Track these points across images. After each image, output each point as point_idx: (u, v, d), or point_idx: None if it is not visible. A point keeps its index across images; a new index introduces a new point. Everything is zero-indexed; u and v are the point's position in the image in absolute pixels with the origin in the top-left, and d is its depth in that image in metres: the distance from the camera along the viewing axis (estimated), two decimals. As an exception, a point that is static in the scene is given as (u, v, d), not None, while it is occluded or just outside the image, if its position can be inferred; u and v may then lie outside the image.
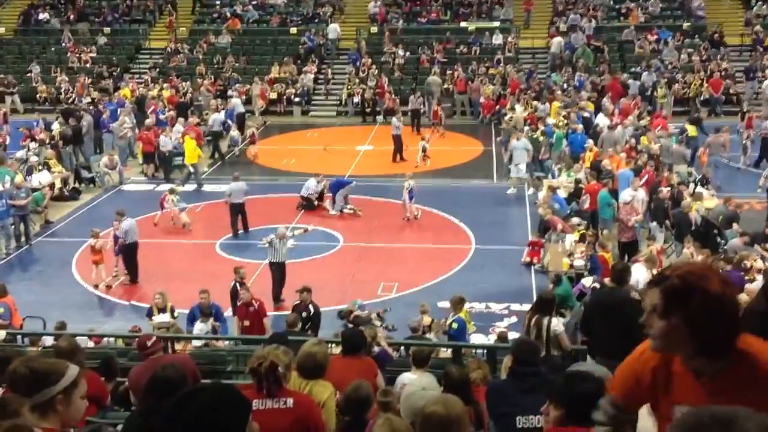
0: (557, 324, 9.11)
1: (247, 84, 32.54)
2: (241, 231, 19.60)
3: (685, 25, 35.16)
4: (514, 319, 14.97)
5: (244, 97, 30.99)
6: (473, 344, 11.99)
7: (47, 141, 24.35)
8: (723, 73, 31.28)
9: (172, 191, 20.40)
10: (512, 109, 28.04)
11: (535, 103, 27.95)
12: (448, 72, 32.60)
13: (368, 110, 31.71)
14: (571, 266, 15.92)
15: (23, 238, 19.20)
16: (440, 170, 24.79)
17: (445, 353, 10.91)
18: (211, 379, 7.47)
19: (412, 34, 36.54)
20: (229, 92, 31.15)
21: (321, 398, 5.56)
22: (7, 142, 25.28)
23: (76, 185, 23.53)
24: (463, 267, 17.77)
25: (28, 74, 34.48)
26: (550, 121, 24.87)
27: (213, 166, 25.83)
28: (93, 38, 37.24)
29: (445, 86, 32.01)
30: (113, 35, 37.91)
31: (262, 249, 17.85)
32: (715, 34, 34.14)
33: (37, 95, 33.12)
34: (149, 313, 14.13)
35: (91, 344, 11.61)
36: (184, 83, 32.43)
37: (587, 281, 14.28)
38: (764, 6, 35.48)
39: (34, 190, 20.54)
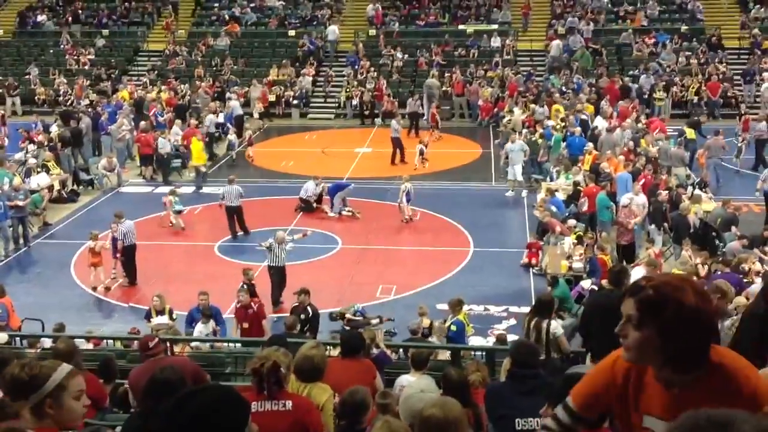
0: (556, 326, 9.12)
1: (245, 86, 32.55)
2: (240, 233, 19.57)
3: (683, 28, 35.20)
4: (512, 321, 14.97)
5: (242, 99, 31.01)
6: (472, 346, 11.99)
7: (45, 143, 24.34)
8: (721, 76, 31.31)
9: (172, 192, 20.41)
10: (510, 111, 28.07)
11: (533, 106, 27.97)
12: (447, 75, 32.61)
13: (367, 113, 31.73)
14: (570, 269, 15.92)
15: (22, 240, 19.18)
16: (439, 173, 24.80)
17: (444, 355, 10.90)
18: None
19: (410, 37, 36.56)
20: (228, 94, 31.15)
21: (319, 401, 5.55)
22: (6, 144, 25.24)
23: (75, 187, 23.51)
24: (461, 269, 17.77)
25: (27, 76, 34.46)
26: (550, 123, 24.89)
27: (210, 168, 25.80)
28: (91, 40, 37.23)
29: (444, 89, 32.02)
30: (111, 37, 37.92)
31: (261, 251, 17.86)
32: (713, 37, 34.19)
33: (36, 97, 33.10)
34: (148, 315, 14.13)
35: (89, 346, 11.59)
36: (182, 85, 32.44)
37: (586, 283, 14.29)
38: (762, 9, 35.54)
39: (33, 192, 20.53)
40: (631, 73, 32.16)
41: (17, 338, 11.62)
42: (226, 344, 11.97)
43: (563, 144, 23.22)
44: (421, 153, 25.03)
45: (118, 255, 17.04)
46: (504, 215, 21.43)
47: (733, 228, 16.74)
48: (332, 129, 31.33)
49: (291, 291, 15.29)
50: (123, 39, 38.28)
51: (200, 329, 13.22)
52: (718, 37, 34.21)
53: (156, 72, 34.51)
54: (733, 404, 2.53)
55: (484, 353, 10.16)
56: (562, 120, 25.18)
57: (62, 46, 36.87)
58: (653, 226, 17.62)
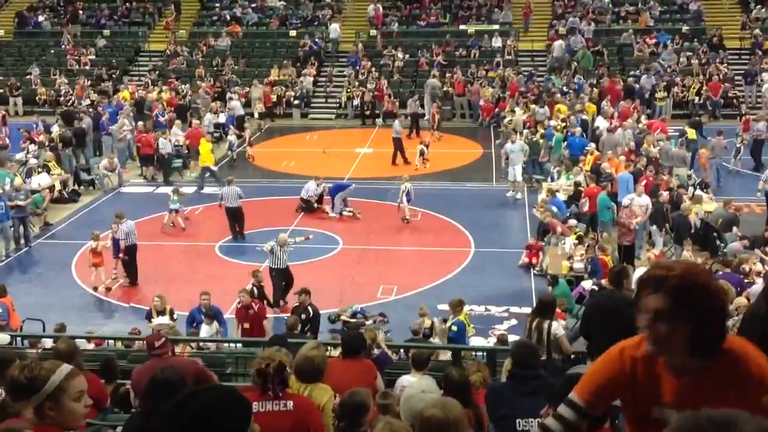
0: (557, 327, 9.11)
1: (246, 86, 32.54)
2: (228, 238, 19.40)
3: (684, 28, 35.18)
4: (513, 321, 14.97)
5: (243, 99, 31.01)
6: (473, 347, 11.99)
7: (47, 143, 24.35)
8: (722, 77, 31.29)
9: (175, 191, 20.43)
10: (512, 112, 28.06)
11: (533, 106, 27.96)
12: (447, 75, 32.60)
13: (368, 113, 31.72)
14: (571, 269, 15.92)
15: (23, 241, 19.19)
16: (439, 173, 24.80)
17: (445, 356, 10.90)
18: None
19: (411, 37, 36.55)
20: (229, 95, 31.15)
21: (320, 402, 5.55)
22: (8, 145, 25.25)
23: (76, 187, 23.52)
24: (462, 269, 17.77)
25: (28, 76, 34.46)
26: (552, 123, 24.88)
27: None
28: (92, 40, 37.22)
29: (445, 89, 32.01)
30: (112, 37, 37.91)
31: (261, 252, 17.86)
32: (714, 37, 34.17)
33: (37, 98, 33.10)
34: (148, 316, 14.13)
35: (90, 346, 11.60)
36: (183, 86, 32.45)
37: (587, 284, 14.29)
38: (763, 9, 35.52)
39: (34, 192, 20.54)
40: (632, 73, 32.14)
41: (18, 338, 11.62)
42: (226, 345, 11.97)
43: (564, 144, 23.23)
44: (422, 153, 25.03)
45: (120, 255, 17.04)
46: (505, 215, 21.43)
47: (734, 228, 16.74)
48: (333, 129, 31.32)
49: (292, 291, 15.32)
50: (124, 39, 38.27)
51: (205, 330, 13.22)
52: (719, 37, 34.20)
53: (157, 72, 34.52)
54: (744, 389, 2.54)
55: (485, 354, 10.16)
56: (563, 120, 25.18)
57: (63, 47, 36.87)
58: (655, 227, 17.61)
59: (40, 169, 22.40)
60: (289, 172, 25.10)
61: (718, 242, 16.29)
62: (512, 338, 12.30)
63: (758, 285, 12.34)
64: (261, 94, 31.97)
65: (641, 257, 16.91)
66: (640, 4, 37.03)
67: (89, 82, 33.23)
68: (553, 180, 21.61)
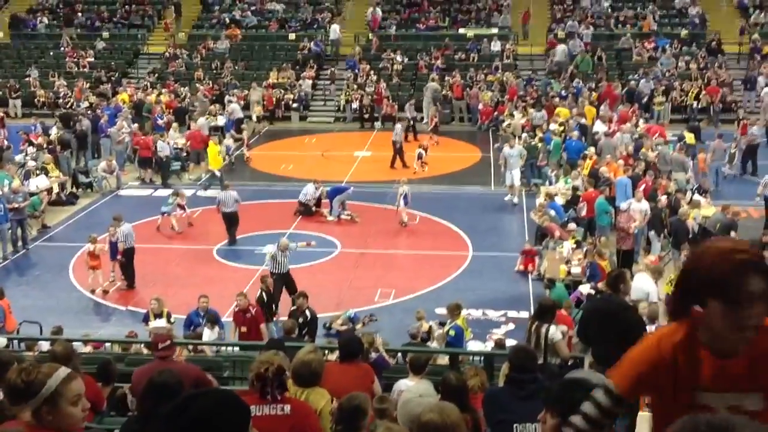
0: (555, 332, 9.09)
1: (245, 89, 32.53)
2: (224, 243, 19.32)
3: (683, 32, 35.24)
4: (511, 326, 14.97)
5: (242, 102, 31.00)
6: (470, 351, 11.99)
7: (45, 145, 24.33)
8: (720, 81, 31.31)
9: (175, 194, 20.43)
10: (510, 115, 28.08)
11: (531, 110, 27.97)
12: (446, 78, 32.62)
13: (366, 116, 31.73)
14: (569, 273, 15.92)
15: (20, 243, 19.18)
16: (438, 176, 24.80)
17: (443, 360, 10.89)
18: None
19: (410, 41, 36.58)
20: (228, 98, 31.14)
21: (317, 406, 5.54)
22: (10, 147, 25.23)
23: (74, 190, 23.50)
24: (460, 273, 17.77)
25: (27, 79, 34.44)
26: (552, 127, 24.90)
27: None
28: (91, 43, 37.20)
29: (443, 93, 32.03)
30: (111, 40, 37.90)
31: (260, 255, 17.85)
32: (713, 42, 34.23)
33: (36, 100, 33.08)
34: (145, 319, 14.11)
35: (87, 349, 11.58)
36: (183, 88, 32.45)
37: (584, 288, 14.28)
38: (761, 14, 35.58)
39: (32, 194, 20.53)
40: (630, 77, 32.18)
41: (15, 341, 11.60)
42: (224, 348, 11.96)
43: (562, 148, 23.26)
44: (420, 157, 25.03)
45: (118, 257, 17.02)
46: (503, 220, 21.43)
47: (732, 233, 16.73)
48: (332, 132, 31.33)
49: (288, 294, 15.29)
50: (123, 42, 38.27)
51: (207, 335, 13.21)
52: (718, 42, 34.26)
53: (156, 75, 34.52)
54: None
55: (482, 358, 10.15)
56: (561, 125, 25.20)
57: (62, 49, 36.86)
58: (653, 232, 17.61)
59: (38, 172, 22.39)
60: (288, 176, 25.09)
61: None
62: (510, 342, 12.32)
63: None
64: (260, 96, 31.98)
65: (639, 262, 16.92)
66: (639, 9, 37.09)
67: (88, 85, 33.21)
68: (551, 184, 21.61)
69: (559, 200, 19.56)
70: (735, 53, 34.37)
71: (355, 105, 31.99)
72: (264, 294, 14.41)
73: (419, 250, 19.32)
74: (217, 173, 23.15)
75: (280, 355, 5.06)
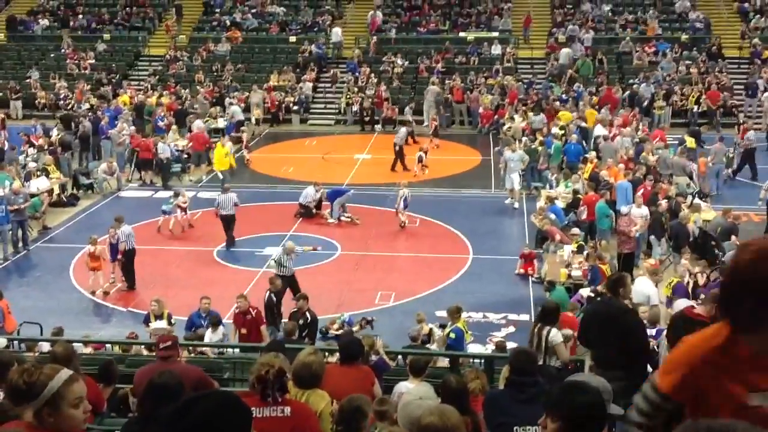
0: (556, 334, 9.07)
1: (245, 92, 32.54)
2: (222, 245, 19.27)
3: (684, 37, 35.26)
4: (511, 329, 14.98)
5: (243, 104, 31.01)
6: (471, 354, 11.99)
7: (46, 147, 24.35)
8: (720, 86, 31.32)
9: (176, 195, 20.44)
10: (511, 119, 28.09)
11: (530, 114, 27.99)
12: (447, 82, 32.63)
13: (367, 119, 31.75)
14: (569, 276, 15.92)
15: (21, 244, 19.18)
16: (438, 179, 24.81)
17: (443, 363, 10.90)
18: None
19: (411, 44, 36.61)
20: (228, 100, 31.15)
21: (317, 408, 5.55)
22: (6, 148, 25.25)
23: (75, 191, 23.51)
24: (460, 276, 17.77)
25: (27, 80, 34.45)
26: (554, 130, 24.90)
27: (208, 174, 25.81)
28: (92, 45, 37.20)
29: (444, 96, 32.04)
30: (112, 42, 37.93)
31: (260, 257, 17.89)
32: (713, 46, 34.25)
33: (36, 101, 33.10)
34: (146, 320, 14.12)
35: (87, 350, 11.58)
36: (184, 90, 32.47)
37: (585, 292, 14.27)
38: (762, 19, 35.61)
39: (32, 195, 20.53)
40: (630, 81, 32.21)
41: (15, 342, 11.60)
42: (227, 350, 11.96)
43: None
44: (420, 160, 25.04)
45: (119, 257, 17.03)
46: (503, 223, 21.44)
47: (733, 237, 16.74)
48: (332, 135, 31.34)
49: (289, 296, 15.29)
50: (124, 44, 38.29)
51: (209, 337, 13.21)
52: (719, 46, 34.28)
53: (157, 77, 34.54)
54: None
55: (483, 361, 10.15)
56: (562, 128, 25.22)
57: (63, 51, 36.89)
58: (653, 236, 17.60)
59: (39, 173, 22.39)
60: (288, 178, 25.10)
61: (716, 251, 16.29)
62: (510, 345, 12.31)
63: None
64: (260, 99, 32.00)
65: (640, 266, 16.90)
66: (639, 13, 37.11)
67: (89, 87, 33.23)
68: (551, 187, 21.61)
69: (560, 204, 19.57)
70: (735, 57, 34.39)
71: (355, 108, 32.01)
72: (273, 296, 14.41)
73: (419, 253, 19.32)
74: (220, 175, 23.08)
75: (280, 357, 5.06)
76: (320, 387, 5.82)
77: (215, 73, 34.57)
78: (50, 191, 22.01)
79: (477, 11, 38.09)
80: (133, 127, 26.25)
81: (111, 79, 34.34)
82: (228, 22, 38.27)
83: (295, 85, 33.64)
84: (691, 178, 21.58)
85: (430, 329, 13.17)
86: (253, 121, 30.91)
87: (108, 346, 12.24)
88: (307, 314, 13.43)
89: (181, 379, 5.08)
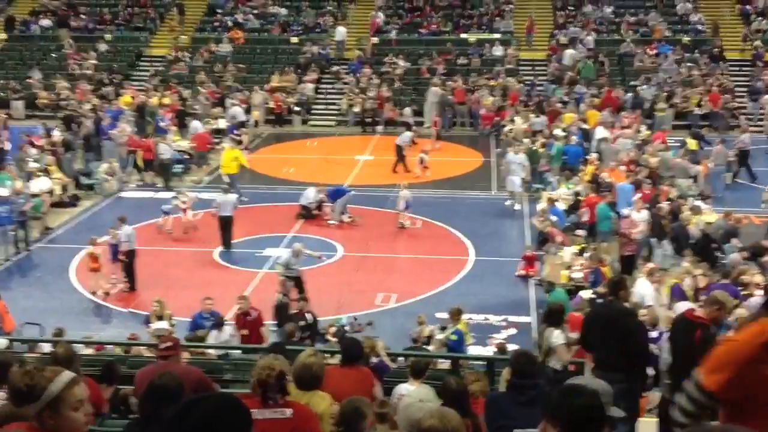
0: (557, 336, 9.06)
1: (247, 92, 32.51)
2: (220, 248, 19.24)
3: (685, 39, 35.26)
4: (512, 330, 14.99)
5: (245, 105, 31.00)
6: (472, 356, 12.00)
7: (47, 147, 24.36)
8: (722, 88, 31.33)
9: (178, 195, 20.46)
10: (512, 121, 28.09)
11: (531, 116, 28.00)
12: (448, 83, 32.63)
13: (368, 120, 31.75)
14: (570, 279, 15.91)
15: (22, 244, 19.19)
16: (439, 181, 24.82)
17: (444, 364, 10.90)
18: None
19: (412, 45, 36.62)
20: (230, 101, 31.14)
21: (319, 410, 5.55)
22: (8, 148, 25.26)
23: (76, 192, 23.51)
24: (461, 278, 17.78)
25: (29, 80, 34.46)
26: (557, 132, 24.89)
27: (210, 174, 25.82)
28: (93, 45, 37.18)
29: (446, 97, 32.03)
30: (114, 42, 37.94)
31: (260, 258, 17.89)
32: (715, 48, 34.25)
33: (37, 101, 33.09)
34: (147, 321, 14.12)
35: (88, 351, 11.58)
36: (186, 91, 32.48)
37: (585, 294, 14.27)
38: (764, 21, 35.61)
39: (34, 196, 20.54)
40: (632, 83, 32.21)
41: (17, 343, 11.61)
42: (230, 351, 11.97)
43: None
44: (422, 161, 25.05)
45: (120, 257, 17.04)
46: (504, 224, 21.43)
47: (734, 240, 16.74)
48: (334, 136, 31.35)
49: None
50: (125, 44, 38.30)
51: (215, 337, 13.21)
52: (720, 48, 34.28)
53: (159, 77, 34.55)
54: None
55: (484, 363, 10.15)
56: (564, 130, 25.22)
57: (64, 51, 36.89)
58: (654, 239, 17.59)
59: (40, 173, 22.40)
60: (289, 179, 25.11)
61: (717, 254, 16.29)
62: (511, 347, 12.31)
63: (756, 297, 12.35)
64: (262, 100, 32.00)
65: (640, 268, 16.89)
66: (641, 15, 37.10)
67: (90, 87, 33.22)
68: (552, 189, 21.61)
69: (561, 205, 19.57)
70: (737, 59, 34.38)
71: (357, 109, 32.02)
72: (284, 299, 14.41)
73: (420, 254, 19.33)
74: (226, 178, 22.93)
75: (280, 360, 5.07)
76: (321, 388, 5.83)
77: (217, 74, 34.56)
78: (51, 192, 22.01)
79: (479, 12, 38.10)
80: (128, 128, 26.12)
81: (112, 80, 34.33)
82: (230, 23, 38.29)
83: (296, 86, 33.64)
84: (695, 180, 21.59)
85: (431, 331, 13.18)
86: (253, 122, 30.86)
87: (109, 346, 12.25)
88: (308, 316, 13.44)
89: (182, 381, 5.08)
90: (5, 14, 39.34)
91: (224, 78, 34.02)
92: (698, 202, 19.42)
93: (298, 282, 15.67)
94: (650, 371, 8.34)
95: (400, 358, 10.59)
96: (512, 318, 15.51)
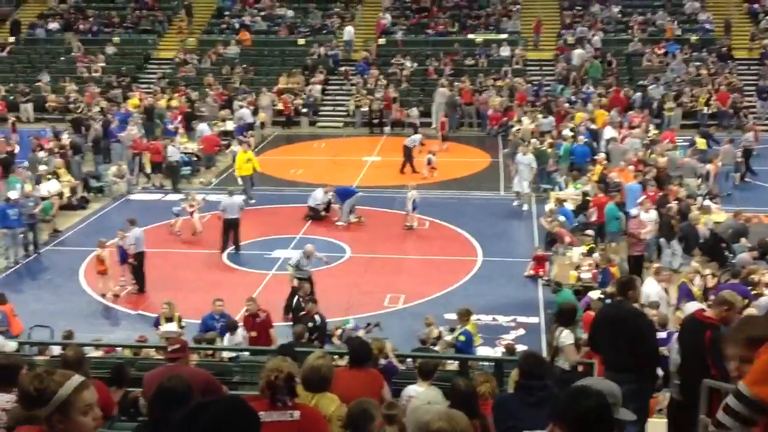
0: (567, 336, 9.04)
1: (254, 94, 32.54)
2: (231, 249, 19.20)
3: (693, 38, 35.15)
4: (521, 331, 14.96)
5: (252, 107, 31.04)
6: (480, 357, 11.98)
7: (56, 150, 24.45)
8: (730, 87, 31.21)
9: (187, 196, 20.50)
10: (519, 121, 28.05)
11: (538, 116, 27.96)
12: (456, 84, 32.61)
13: (376, 121, 31.76)
14: (579, 279, 15.88)
15: (31, 247, 19.26)
16: (447, 182, 24.80)
17: (452, 365, 10.89)
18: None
19: (419, 46, 36.62)
20: (237, 103, 31.17)
21: (327, 412, 5.55)
22: (17, 151, 25.35)
23: (85, 194, 23.59)
24: (470, 279, 17.76)
25: (38, 83, 34.57)
26: (565, 132, 24.86)
27: (218, 176, 25.88)
28: (102, 48, 37.30)
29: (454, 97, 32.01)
30: (122, 45, 38.06)
31: (269, 259, 17.89)
32: (723, 47, 34.13)
33: (47, 105, 33.21)
34: (156, 323, 14.15)
35: (97, 353, 11.62)
36: (194, 93, 32.55)
37: (594, 294, 14.24)
38: (772, 20, 35.50)
39: (43, 198, 20.61)
40: (641, 83, 32.13)
41: (27, 345, 11.65)
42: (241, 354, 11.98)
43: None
44: (430, 162, 25.05)
45: (129, 260, 17.08)
46: (512, 225, 21.41)
47: (743, 239, 16.68)
48: (341, 137, 31.37)
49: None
50: (133, 47, 38.42)
51: (228, 340, 13.23)
52: (728, 47, 34.16)
53: (166, 80, 34.63)
54: None
55: (492, 363, 10.13)
56: (572, 130, 25.18)
57: (73, 54, 37.00)
58: (663, 239, 17.54)
59: (49, 176, 22.48)
60: (297, 180, 25.14)
61: (726, 253, 16.23)
62: (520, 348, 12.30)
63: (766, 297, 12.31)
64: (269, 102, 32.03)
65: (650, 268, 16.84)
66: (649, 14, 37.00)
67: (99, 90, 33.32)
68: (560, 189, 21.58)
69: (569, 206, 19.53)
70: (745, 59, 34.27)
71: (364, 110, 32.03)
72: (300, 300, 14.42)
73: (428, 255, 19.32)
74: (240, 181, 22.94)
75: (288, 362, 5.07)
76: (329, 390, 5.83)
77: (224, 76, 34.63)
78: (60, 194, 22.08)
79: (486, 13, 38.07)
80: (135, 130, 26.17)
81: (121, 82, 34.45)
82: (237, 25, 38.36)
83: (303, 88, 33.67)
84: (707, 179, 21.52)
85: (439, 332, 13.16)
86: (258, 124, 30.85)
87: (118, 349, 12.28)
88: (316, 317, 13.44)
89: (190, 383, 5.09)
90: (12, 18, 39.48)
91: (232, 80, 34.10)
92: (707, 202, 19.36)
93: (308, 283, 15.67)
94: (659, 372, 8.32)
95: (409, 360, 10.59)
96: (521, 319, 15.48)
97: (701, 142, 23.97)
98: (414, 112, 30.60)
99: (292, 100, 32.79)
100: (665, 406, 8.26)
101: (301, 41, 37.14)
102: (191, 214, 20.31)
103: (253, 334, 13.38)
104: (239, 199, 19.42)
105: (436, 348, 12.50)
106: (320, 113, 33.55)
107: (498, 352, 13.26)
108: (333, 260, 18.45)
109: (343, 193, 21.33)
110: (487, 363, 10.65)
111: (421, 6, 38.85)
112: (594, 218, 18.44)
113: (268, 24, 38.72)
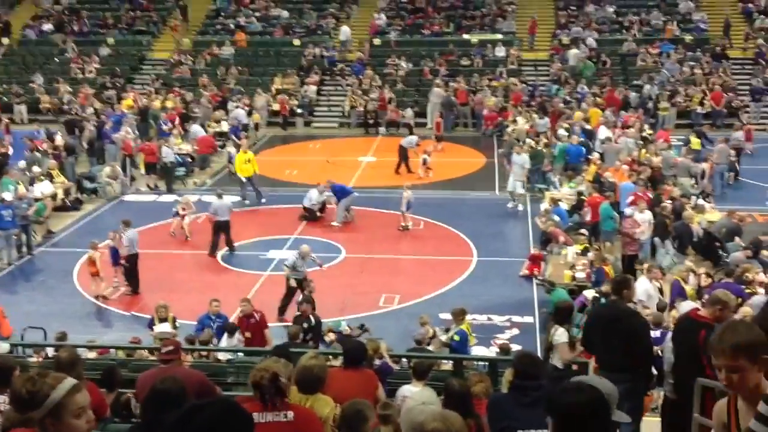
0: (561, 334, 9.04)
1: (250, 95, 32.52)
2: (225, 250, 19.15)
3: (688, 38, 35.21)
4: (515, 331, 14.97)
5: (248, 108, 31.01)
6: (475, 356, 11.97)
7: (50, 151, 24.39)
8: (724, 87, 31.27)
9: (180, 198, 20.45)
10: (514, 121, 28.08)
11: (534, 116, 27.97)
12: (451, 84, 32.62)
13: (371, 122, 31.76)
14: (573, 278, 15.89)
15: (25, 248, 19.21)
16: (442, 182, 24.81)
17: (447, 365, 10.88)
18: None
19: (414, 46, 36.62)
20: (232, 103, 31.13)
21: (321, 413, 5.54)
22: (10, 153, 25.29)
23: (79, 195, 23.53)
24: (464, 279, 17.75)
25: (31, 84, 34.50)
26: (560, 132, 24.90)
27: (212, 177, 25.84)
28: (96, 49, 37.22)
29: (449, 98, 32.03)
30: (116, 46, 37.98)
31: (264, 260, 17.85)
32: (717, 47, 34.21)
33: (40, 106, 33.14)
34: (150, 324, 14.12)
35: (91, 355, 11.58)
36: (189, 94, 32.50)
37: (589, 293, 14.24)
38: (766, 19, 35.54)
39: (37, 200, 20.56)
40: (635, 82, 32.18)
41: (19, 347, 11.61)
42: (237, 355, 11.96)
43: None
44: (425, 162, 25.05)
45: (121, 261, 17.04)
46: (507, 225, 21.41)
47: (737, 238, 16.71)
48: (336, 138, 31.35)
49: (294, 300, 15.29)
50: (128, 48, 38.35)
51: (225, 342, 13.20)
52: (723, 47, 34.22)
53: (161, 81, 34.57)
54: None
55: (486, 363, 10.13)
56: (567, 129, 25.21)
57: (67, 55, 36.93)
58: (657, 239, 17.56)
59: (43, 177, 22.42)
60: (292, 181, 25.11)
61: (720, 252, 16.25)
62: (515, 348, 12.30)
63: (759, 296, 12.32)
64: (264, 103, 32.00)
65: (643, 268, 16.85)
66: (643, 14, 37.06)
67: (93, 91, 33.25)
68: (555, 189, 21.59)
69: (564, 205, 19.55)
70: (740, 58, 34.33)
71: (359, 110, 32.02)
72: (305, 298, 14.39)
73: (424, 256, 19.32)
74: (244, 180, 22.89)
75: (280, 362, 5.05)
76: (323, 391, 5.81)
77: (219, 77, 34.58)
78: (54, 196, 22.03)
79: (481, 13, 38.09)
80: (128, 132, 26.08)
81: (115, 83, 34.39)
82: (232, 26, 38.31)
83: (298, 89, 33.65)
84: (702, 178, 21.55)
85: (434, 332, 13.16)
86: (252, 125, 30.81)
87: (112, 350, 12.25)
88: (311, 318, 13.42)
89: (184, 385, 5.07)
90: (3, 20, 39.36)
91: (227, 81, 34.05)
92: (701, 201, 19.39)
93: (302, 284, 15.67)
94: (654, 371, 8.31)
95: (404, 360, 10.58)
96: (516, 318, 15.49)
97: (695, 142, 24.02)
98: (409, 112, 30.65)
99: (288, 101, 32.75)
100: (659, 405, 8.26)
101: (296, 42, 37.11)
102: (182, 218, 20.18)
103: (248, 335, 13.35)
104: (228, 200, 19.36)
105: (431, 347, 12.49)
106: (315, 114, 33.52)
107: (493, 351, 13.25)
108: (328, 261, 18.42)
109: (340, 191, 21.30)
110: (481, 363, 10.65)
111: (416, 6, 38.85)
112: (588, 218, 18.46)
113: (263, 25, 38.68)
